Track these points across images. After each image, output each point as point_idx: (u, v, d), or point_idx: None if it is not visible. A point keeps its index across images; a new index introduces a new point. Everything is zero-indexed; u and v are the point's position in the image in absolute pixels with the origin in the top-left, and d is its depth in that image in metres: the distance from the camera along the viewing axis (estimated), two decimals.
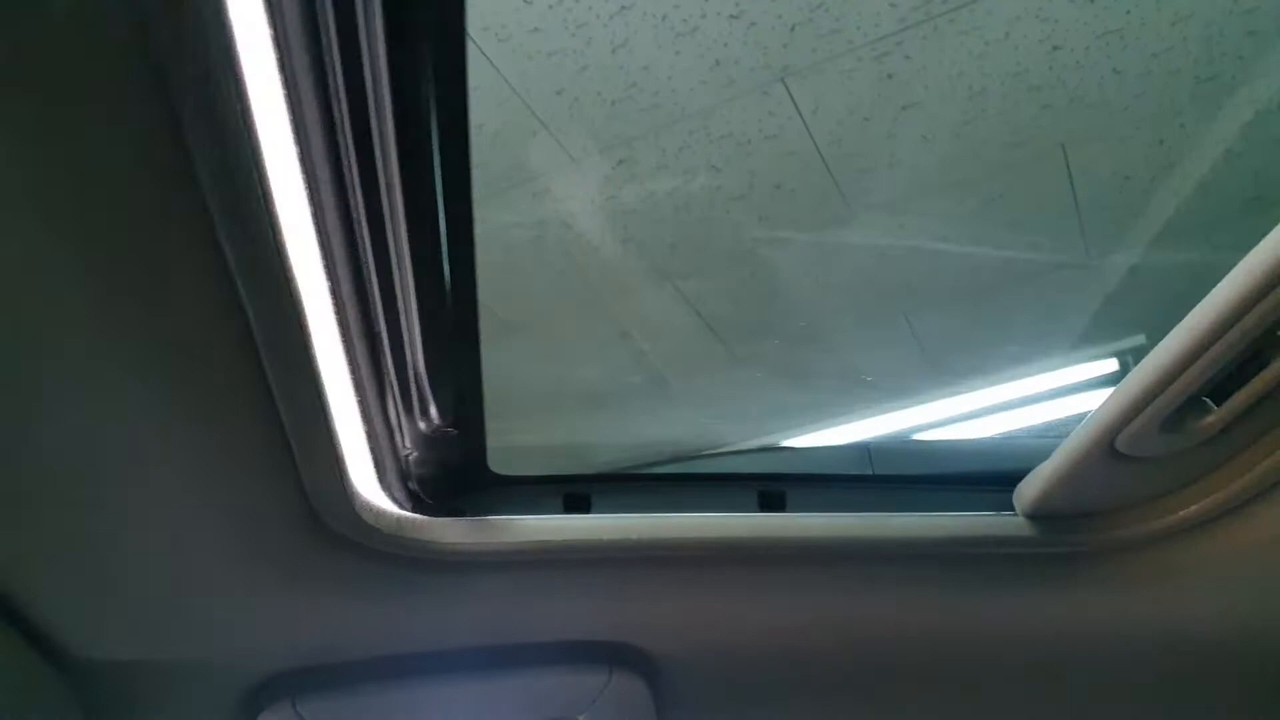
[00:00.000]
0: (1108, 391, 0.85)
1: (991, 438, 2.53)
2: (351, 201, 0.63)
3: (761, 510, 1.01)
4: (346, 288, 0.68)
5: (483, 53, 2.28)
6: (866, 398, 2.53)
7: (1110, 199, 2.36)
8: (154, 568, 0.80)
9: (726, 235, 2.42)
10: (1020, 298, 2.54)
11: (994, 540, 0.97)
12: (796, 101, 2.25)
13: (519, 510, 0.94)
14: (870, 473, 1.13)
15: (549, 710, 1.02)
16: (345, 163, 0.61)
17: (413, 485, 0.90)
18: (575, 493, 1.00)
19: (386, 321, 0.72)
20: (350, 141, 0.59)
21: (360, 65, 0.56)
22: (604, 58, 2.04)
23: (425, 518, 0.89)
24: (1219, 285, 0.73)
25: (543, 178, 2.67)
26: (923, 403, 2.58)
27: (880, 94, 2.23)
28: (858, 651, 1.05)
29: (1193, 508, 0.92)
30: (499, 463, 0.97)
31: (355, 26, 0.54)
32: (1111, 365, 2.49)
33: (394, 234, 0.66)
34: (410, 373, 0.78)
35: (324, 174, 0.60)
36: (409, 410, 0.82)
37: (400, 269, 0.68)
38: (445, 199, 0.65)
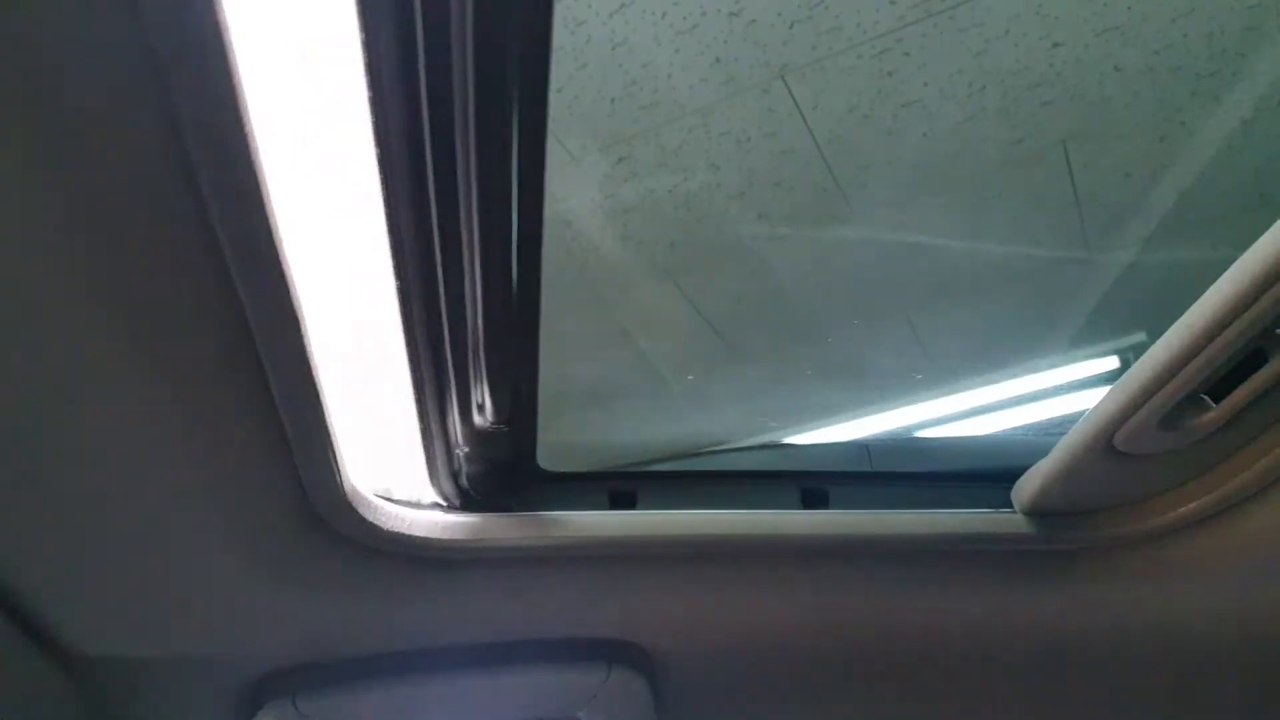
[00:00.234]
0: (1109, 389, 0.85)
1: (990, 435, 2.53)
2: (427, 203, 0.64)
3: (805, 508, 1.02)
4: (416, 288, 0.69)
5: None
6: (866, 395, 2.53)
7: (1111, 196, 2.36)
8: (152, 564, 0.80)
9: (726, 233, 2.41)
10: (1021, 295, 2.54)
11: (992, 537, 0.97)
12: (796, 99, 2.24)
13: (568, 507, 0.95)
14: (869, 469, 1.13)
15: (548, 707, 1.02)
16: (425, 166, 0.62)
17: (463, 482, 0.91)
18: (620, 489, 1.00)
19: (451, 322, 0.73)
20: (430, 145, 0.60)
21: (449, 72, 0.56)
22: (603, 55, 2.03)
23: (425, 514, 0.89)
24: (1218, 282, 0.73)
25: None
26: (923, 400, 2.58)
27: (880, 91, 2.22)
28: (856, 648, 1.05)
29: (1191, 505, 0.92)
30: (547, 459, 0.97)
31: (446, 35, 0.54)
32: (1113, 363, 2.48)
33: (468, 237, 0.66)
34: (471, 373, 0.79)
35: (402, 176, 0.62)
36: (465, 409, 0.83)
37: (471, 271, 0.69)
38: (520, 202, 0.66)
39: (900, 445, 1.80)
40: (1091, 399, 0.88)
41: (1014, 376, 2.54)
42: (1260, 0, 1.94)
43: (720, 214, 2.37)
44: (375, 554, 0.87)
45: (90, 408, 0.66)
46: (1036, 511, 0.97)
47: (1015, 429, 2.52)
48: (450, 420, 0.83)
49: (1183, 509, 0.93)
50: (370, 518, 0.83)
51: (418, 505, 0.91)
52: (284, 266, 0.61)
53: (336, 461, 0.76)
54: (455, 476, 0.90)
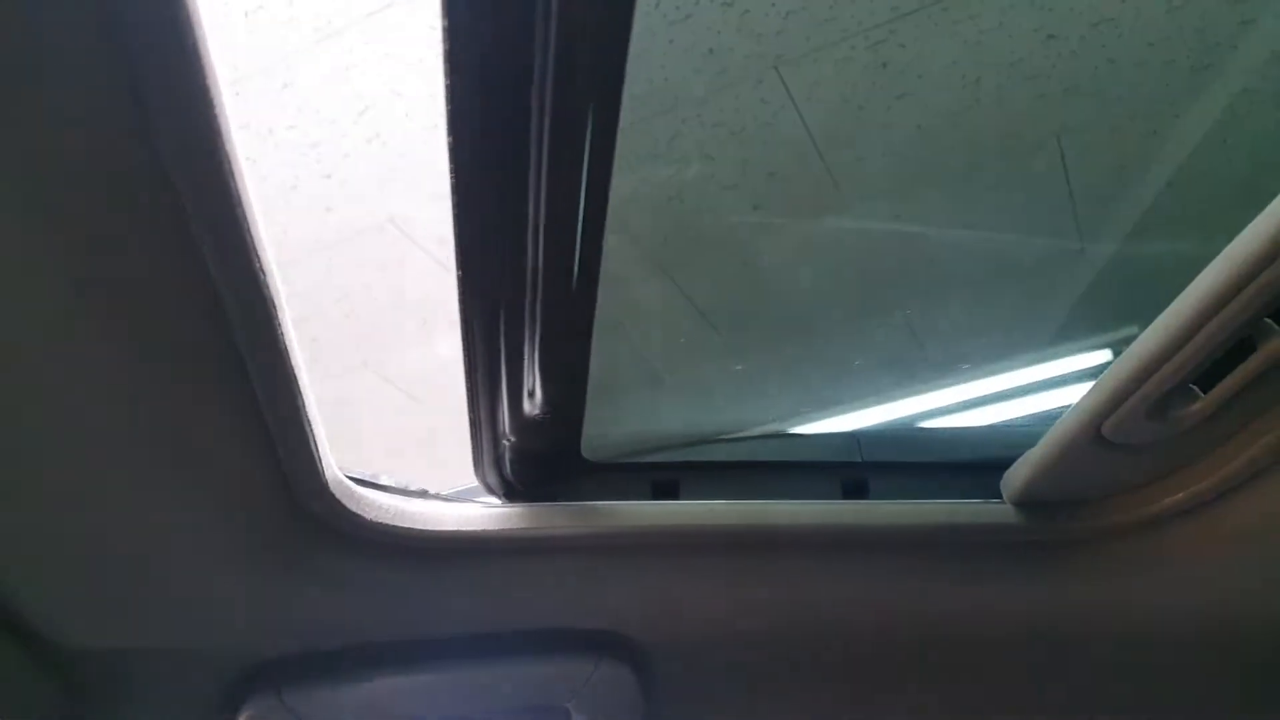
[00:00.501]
0: (1098, 379, 0.85)
1: (981, 425, 2.52)
2: (499, 187, 0.65)
3: (845, 498, 1.02)
4: (477, 274, 0.70)
5: None
6: (859, 387, 2.52)
7: (1105, 189, 2.35)
8: (133, 554, 0.80)
9: (720, 224, 2.41)
10: (1014, 287, 2.54)
11: (981, 527, 0.97)
12: (790, 90, 2.24)
13: (611, 496, 0.95)
14: (859, 460, 1.13)
15: (536, 698, 1.02)
16: (499, 159, 0.63)
17: (507, 473, 0.92)
18: (663, 479, 1.01)
19: (509, 313, 0.74)
20: (506, 141, 0.62)
21: (529, 70, 0.57)
22: None
23: (411, 503, 0.89)
24: (1204, 272, 0.73)
25: None
26: (916, 393, 2.58)
27: (874, 83, 2.22)
28: (844, 638, 1.05)
29: (1179, 495, 0.92)
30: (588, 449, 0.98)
31: (530, 36, 0.55)
32: (1106, 355, 2.48)
33: (534, 233, 0.67)
34: (524, 363, 0.79)
35: (473, 170, 0.63)
36: (516, 395, 0.83)
37: (534, 265, 0.70)
38: (587, 198, 0.67)
39: (890, 435, 1.80)
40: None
41: (1010, 369, 2.54)
42: None
43: (714, 205, 2.37)
44: (360, 544, 0.87)
45: (67, 399, 0.65)
46: (1025, 501, 0.96)
47: (1010, 421, 2.51)
48: (500, 408, 0.84)
49: (1171, 498, 0.93)
50: (354, 507, 0.83)
51: (405, 494, 0.91)
52: (261, 255, 0.61)
53: (318, 450, 0.76)
54: (500, 466, 0.91)
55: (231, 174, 0.56)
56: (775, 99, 2.23)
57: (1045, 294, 2.52)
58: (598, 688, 1.01)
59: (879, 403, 2.62)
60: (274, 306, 0.64)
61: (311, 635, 0.95)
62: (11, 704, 0.87)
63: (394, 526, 0.86)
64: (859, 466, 1.09)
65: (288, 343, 0.67)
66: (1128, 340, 0.83)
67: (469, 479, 0.97)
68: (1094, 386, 0.84)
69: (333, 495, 0.81)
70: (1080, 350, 2.53)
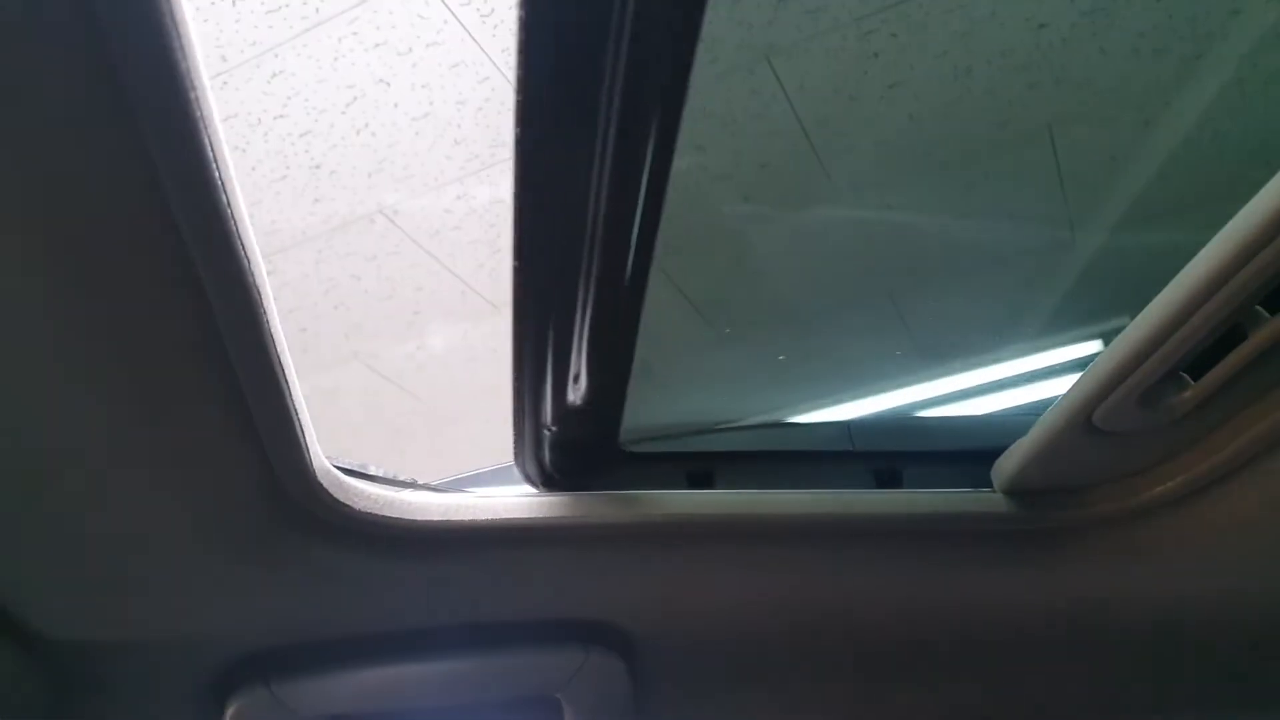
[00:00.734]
0: (1089, 366, 0.84)
1: (972, 415, 2.53)
2: (559, 190, 0.66)
3: (878, 487, 1.03)
4: (534, 270, 0.71)
5: (464, 27, 2.26)
6: (851, 377, 2.53)
7: (1096, 178, 2.36)
8: (118, 546, 0.79)
9: (712, 214, 2.40)
10: (1005, 277, 2.54)
11: (971, 516, 0.97)
12: (782, 80, 2.23)
13: (648, 486, 0.96)
14: (850, 449, 1.13)
15: (527, 688, 1.02)
16: (562, 152, 0.64)
17: (546, 462, 0.92)
18: (698, 470, 1.02)
19: (562, 302, 0.75)
20: (571, 132, 0.62)
21: (601, 59, 0.58)
22: None
23: (398, 493, 0.88)
24: (1195, 259, 0.73)
25: None
26: (908, 384, 2.58)
27: (866, 73, 2.21)
28: (835, 628, 1.05)
29: (1170, 483, 0.92)
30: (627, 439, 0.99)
31: (606, 19, 0.56)
32: (1097, 346, 2.49)
33: (593, 226, 0.68)
34: (572, 356, 0.80)
35: (537, 164, 0.64)
36: (561, 386, 0.83)
37: (590, 257, 0.71)
38: (646, 194, 0.68)
39: (881, 424, 1.80)
40: None
41: (1002, 360, 2.54)
42: None
43: (706, 195, 2.36)
44: (348, 534, 0.86)
45: (51, 393, 0.65)
46: (1016, 490, 0.96)
47: (1002, 410, 2.52)
48: (544, 397, 0.84)
49: (1162, 487, 0.92)
50: (342, 497, 0.82)
51: (393, 484, 0.90)
52: (246, 246, 0.60)
53: (305, 441, 0.75)
54: (539, 457, 0.92)
55: (216, 164, 0.55)
56: (767, 89, 2.23)
57: (1035, 284, 2.52)
58: (588, 677, 1.00)
59: (869, 394, 2.62)
60: (259, 297, 0.63)
61: (300, 626, 0.94)
62: None
63: (382, 516, 0.86)
64: (853, 456, 1.09)
65: (273, 333, 0.66)
66: (1119, 329, 0.82)
67: (459, 469, 0.96)
68: (1084, 374, 0.84)
69: (320, 485, 0.80)
70: (1071, 341, 2.53)
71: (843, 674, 1.11)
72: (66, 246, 0.57)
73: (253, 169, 2.58)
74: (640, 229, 0.71)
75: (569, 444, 0.92)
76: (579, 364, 0.81)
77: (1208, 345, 0.78)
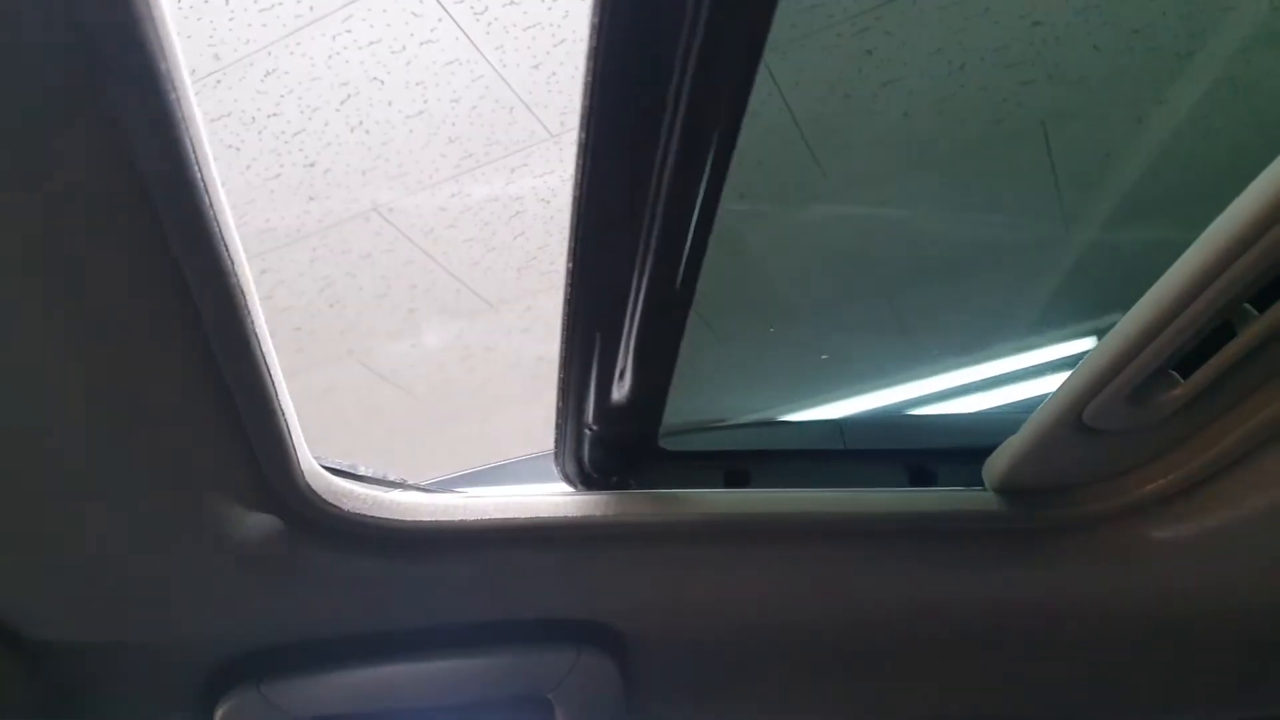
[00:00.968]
0: (1078, 364, 0.84)
1: (963, 413, 2.53)
2: (619, 194, 0.67)
3: (912, 485, 1.04)
4: (587, 271, 0.72)
5: (458, 26, 2.25)
6: (845, 375, 2.53)
7: (1090, 176, 2.36)
8: (107, 547, 0.79)
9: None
10: (999, 274, 2.54)
11: (963, 515, 0.97)
12: (776, 78, 2.23)
13: (685, 485, 0.97)
14: (842, 447, 1.12)
15: (517, 688, 1.02)
16: (625, 157, 0.65)
17: (586, 462, 0.93)
18: (736, 468, 1.03)
19: (613, 305, 0.76)
20: (636, 138, 0.64)
21: (668, 71, 0.60)
22: (582, 31, 2.01)
23: (387, 493, 0.88)
24: (1184, 256, 0.72)
25: (520, 153, 2.65)
26: (902, 382, 2.58)
27: (860, 70, 2.21)
28: (827, 627, 1.05)
29: (1160, 481, 0.92)
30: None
31: (679, 26, 0.57)
32: (1091, 343, 2.48)
33: (647, 232, 0.70)
34: (618, 358, 0.81)
35: (598, 173, 0.65)
36: (606, 379, 0.84)
37: (643, 262, 0.72)
38: (703, 202, 0.69)
39: (873, 422, 1.80)
40: None
41: (996, 357, 2.54)
42: None
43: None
44: (338, 535, 0.86)
45: (37, 394, 0.64)
46: (1007, 489, 0.96)
47: (994, 408, 2.52)
48: (588, 393, 0.85)
49: (1152, 485, 0.92)
50: (331, 499, 0.82)
51: (383, 484, 0.90)
52: (230, 245, 0.60)
53: (293, 442, 0.75)
54: (579, 456, 0.93)
55: (198, 165, 0.55)
56: (761, 87, 2.22)
57: (1028, 281, 2.52)
58: (580, 678, 1.00)
59: (862, 392, 2.62)
60: (244, 296, 0.63)
61: (290, 627, 0.94)
62: None
63: (371, 517, 0.86)
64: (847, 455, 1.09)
65: (259, 334, 0.66)
66: (1112, 327, 0.83)
67: (451, 469, 0.96)
68: (1074, 372, 0.84)
69: (309, 487, 0.80)
70: (1065, 338, 2.53)
71: (834, 673, 1.11)
72: (50, 250, 0.57)
73: (247, 167, 2.58)
74: (696, 226, 0.72)
75: (608, 443, 0.93)
76: (625, 360, 0.82)
77: (1196, 343, 0.77)
